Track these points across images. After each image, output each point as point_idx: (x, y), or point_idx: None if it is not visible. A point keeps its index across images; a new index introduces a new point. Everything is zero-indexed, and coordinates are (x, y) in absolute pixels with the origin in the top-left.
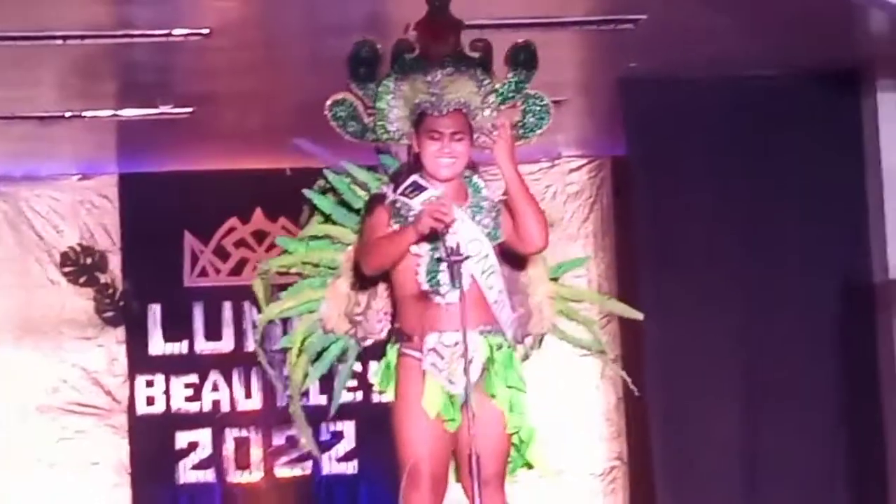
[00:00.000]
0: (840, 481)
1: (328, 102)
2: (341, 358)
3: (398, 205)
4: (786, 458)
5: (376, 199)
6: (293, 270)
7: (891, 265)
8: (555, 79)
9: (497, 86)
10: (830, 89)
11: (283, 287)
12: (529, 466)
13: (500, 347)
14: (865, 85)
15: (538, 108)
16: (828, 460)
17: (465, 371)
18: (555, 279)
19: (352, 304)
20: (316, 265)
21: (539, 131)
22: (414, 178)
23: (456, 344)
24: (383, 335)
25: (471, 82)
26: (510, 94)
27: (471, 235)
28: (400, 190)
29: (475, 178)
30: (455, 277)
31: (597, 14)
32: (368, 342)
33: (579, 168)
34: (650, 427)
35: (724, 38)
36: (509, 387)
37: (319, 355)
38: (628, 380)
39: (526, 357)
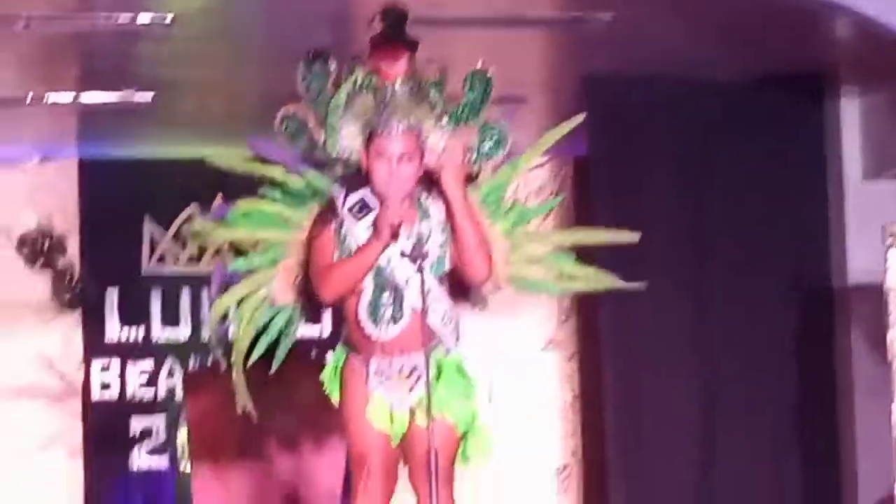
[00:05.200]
0: (795, 483)
1: (278, 116)
2: (286, 327)
3: (343, 230)
4: (741, 459)
5: (326, 213)
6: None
7: (850, 270)
8: (518, 77)
9: (451, 107)
10: (794, 93)
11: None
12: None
13: (445, 356)
14: (829, 90)
15: (495, 136)
16: (783, 461)
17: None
18: (520, 224)
19: (299, 278)
20: (267, 241)
21: (494, 160)
22: (363, 192)
23: (402, 367)
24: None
25: (424, 103)
26: (465, 117)
27: (411, 270)
28: (349, 204)
29: (424, 201)
30: (421, 272)
31: (562, 12)
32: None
33: (541, 165)
34: (605, 425)
35: (688, 39)
36: (454, 393)
37: (265, 327)
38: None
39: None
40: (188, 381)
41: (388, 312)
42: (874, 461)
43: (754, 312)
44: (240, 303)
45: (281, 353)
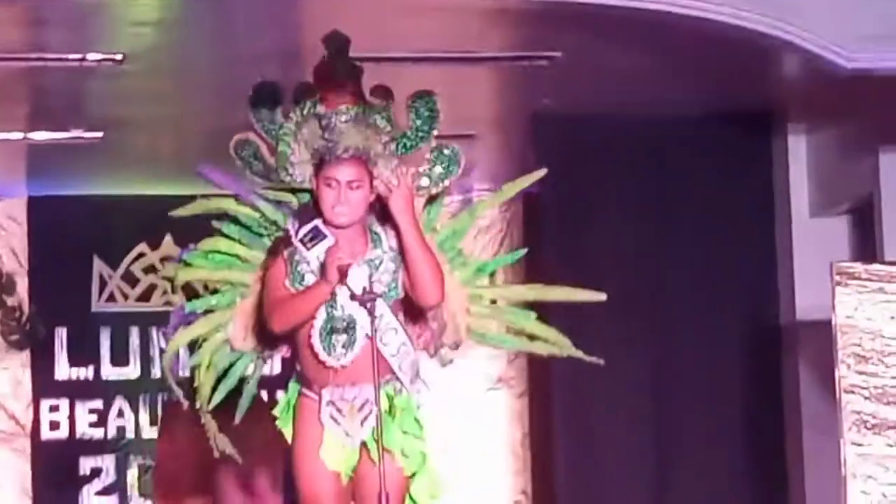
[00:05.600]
0: None
1: (232, 142)
2: (248, 373)
3: (296, 258)
4: (692, 495)
5: (279, 245)
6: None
7: (798, 307)
8: (468, 114)
9: (398, 134)
10: (742, 131)
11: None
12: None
13: (398, 393)
14: (777, 127)
15: (447, 160)
16: (734, 497)
17: (380, 415)
18: (480, 275)
19: (257, 322)
20: (225, 282)
21: (446, 182)
22: (316, 222)
23: (354, 398)
24: (287, 354)
25: (370, 129)
26: (412, 144)
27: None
28: (301, 234)
29: (376, 228)
30: (371, 315)
31: (511, 50)
32: (273, 358)
33: None
34: (556, 462)
35: (637, 77)
36: (405, 432)
37: (226, 371)
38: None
39: (445, 365)
40: (165, 414)
41: (342, 340)
42: (823, 496)
43: (704, 349)
44: (199, 346)
45: (245, 402)
